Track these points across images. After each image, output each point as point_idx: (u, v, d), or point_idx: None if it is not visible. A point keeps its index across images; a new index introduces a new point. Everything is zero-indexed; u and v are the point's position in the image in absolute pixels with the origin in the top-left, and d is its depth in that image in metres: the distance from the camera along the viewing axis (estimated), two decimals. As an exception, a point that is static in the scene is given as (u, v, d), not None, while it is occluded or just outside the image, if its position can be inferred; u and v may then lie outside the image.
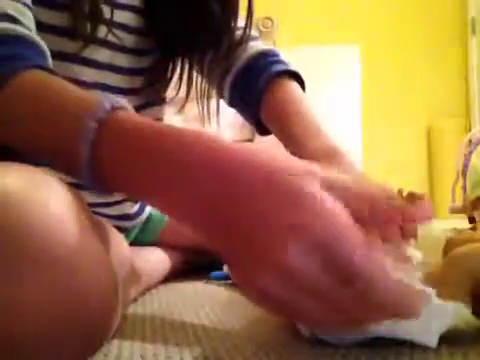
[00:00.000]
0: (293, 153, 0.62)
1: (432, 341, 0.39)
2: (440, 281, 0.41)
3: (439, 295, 0.40)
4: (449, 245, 0.45)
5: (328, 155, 0.59)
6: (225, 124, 1.48)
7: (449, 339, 0.41)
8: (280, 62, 0.71)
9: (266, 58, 0.72)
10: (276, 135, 0.68)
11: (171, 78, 0.74)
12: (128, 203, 0.75)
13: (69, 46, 0.58)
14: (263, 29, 3.09)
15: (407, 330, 0.40)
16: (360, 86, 3.10)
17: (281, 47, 3.01)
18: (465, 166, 0.98)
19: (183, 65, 0.75)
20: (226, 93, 0.74)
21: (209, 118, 0.75)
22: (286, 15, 3.21)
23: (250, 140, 1.53)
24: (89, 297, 0.34)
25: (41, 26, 0.55)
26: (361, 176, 0.55)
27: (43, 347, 0.33)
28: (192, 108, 0.85)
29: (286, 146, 0.64)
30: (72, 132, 0.38)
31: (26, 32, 0.47)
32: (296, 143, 0.62)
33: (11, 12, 0.47)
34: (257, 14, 0.77)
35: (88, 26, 0.57)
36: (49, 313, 0.33)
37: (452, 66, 3.39)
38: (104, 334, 0.38)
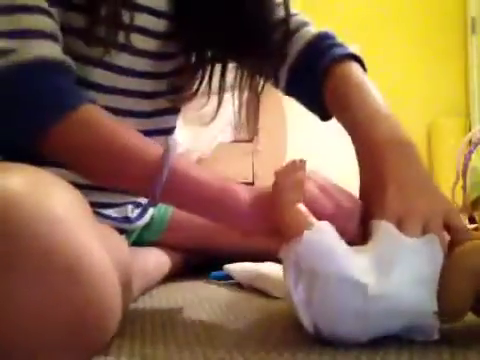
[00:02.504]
0: (357, 141, 0.58)
1: (433, 334, 0.40)
2: (445, 279, 0.41)
3: (444, 293, 0.41)
4: (452, 245, 0.45)
5: (392, 145, 0.54)
6: (225, 124, 1.48)
7: (449, 339, 0.41)
8: (338, 45, 0.67)
9: (324, 41, 0.68)
10: (339, 121, 0.63)
11: (199, 87, 0.73)
12: (130, 206, 0.75)
13: (93, 50, 0.58)
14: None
15: (408, 327, 0.40)
16: (360, 86, 3.10)
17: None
18: (465, 166, 0.98)
19: (212, 69, 0.73)
20: (282, 81, 0.71)
21: (215, 118, 0.75)
22: (286, 15, 3.21)
23: (250, 141, 1.53)
24: (90, 302, 0.34)
25: (64, 29, 0.55)
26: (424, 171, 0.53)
27: (41, 352, 0.33)
28: (191, 106, 0.84)
29: (350, 133, 0.60)
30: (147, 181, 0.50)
31: (66, 59, 0.52)
32: (359, 131, 0.58)
33: (50, 32, 0.51)
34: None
35: (107, 31, 0.56)
36: (48, 318, 0.32)
37: (452, 66, 3.39)
38: (104, 337, 0.37)
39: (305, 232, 0.42)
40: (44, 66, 0.50)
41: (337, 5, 3.34)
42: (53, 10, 0.52)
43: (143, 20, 0.62)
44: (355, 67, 0.64)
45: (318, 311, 0.42)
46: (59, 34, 0.53)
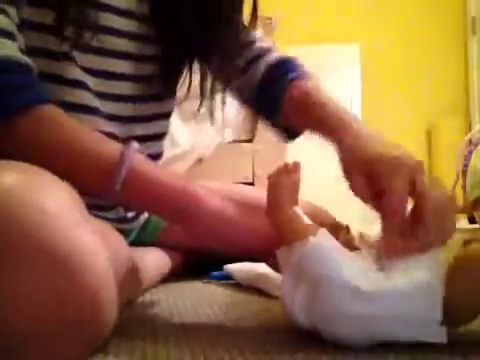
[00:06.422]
0: (330, 134, 0.61)
1: (442, 337, 0.40)
2: (453, 283, 0.41)
3: (453, 298, 0.40)
4: (469, 246, 0.44)
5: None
6: (224, 124, 1.48)
7: (449, 339, 0.41)
8: (299, 66, 0.72)
9: (285, 65, 0.72)
10: (304, 124, 0.67)
11: (174, 85, 0.74)
12: (121, 208, 0.75)
13: (63, 46, 0.58)
14: (263, 28, 3.09)
15: (414, 329, 0.40)
16: (359, 85, 3.10)
17: (281, 46, 3.01)
18: (465, 166, 0.98)
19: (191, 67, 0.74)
20: (245, 95, 0.75)
21: (212, 116, 0.75)
22: (286, 14, 3.21)
23: (250, 141, 1.53)
24: (84, 295, 0.34)
25: (35, 26, 0.56)
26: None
27: (36, 343, 0.33)
28: (189, 106, 0.84)
29: (320, 129, 0.64)
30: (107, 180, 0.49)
31: (26, 59, 0.51)
32: (334, 125, 0.61)
33: (9, 30, 0.50)
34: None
35: (74, 31, 0.56)
36: (43, 310, 0.33)
37: (452, 66, 3.39)
38: (100, 330, 0.37)
39: (310, 237, 0.42)
40: (3, 64, 0.49)
41: (337, 4, 3.34)
42: (11, 9, 0.52)
43: (110, 20, 0.61)
44: (313, 81, 0.69)
45: (319, 315, 0.42)
46: (17, 33, 0.53)
